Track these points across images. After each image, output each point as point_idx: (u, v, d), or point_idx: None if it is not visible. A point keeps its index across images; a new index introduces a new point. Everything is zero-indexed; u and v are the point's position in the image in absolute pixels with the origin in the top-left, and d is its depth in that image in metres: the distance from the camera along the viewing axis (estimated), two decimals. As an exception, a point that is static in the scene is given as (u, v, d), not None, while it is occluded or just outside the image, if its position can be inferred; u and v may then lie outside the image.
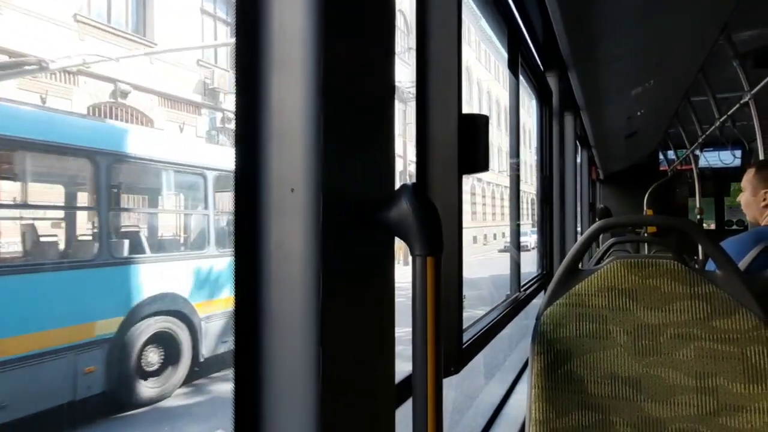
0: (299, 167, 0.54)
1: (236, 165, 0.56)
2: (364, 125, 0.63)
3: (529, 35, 2.20)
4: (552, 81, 2.84)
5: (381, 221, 0.62)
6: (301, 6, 0.54)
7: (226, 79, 14.70)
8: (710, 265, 1.71)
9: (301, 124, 0.54)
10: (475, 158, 1.09)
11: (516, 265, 2.13)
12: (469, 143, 1.08)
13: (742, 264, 1.73)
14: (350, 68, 0.60)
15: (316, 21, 0.54)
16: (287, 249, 0.55)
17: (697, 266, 1.22)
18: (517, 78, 2.05)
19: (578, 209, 4.48)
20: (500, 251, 29.71)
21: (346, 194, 0.58)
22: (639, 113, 4.45)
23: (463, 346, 1.16)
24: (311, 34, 0.54)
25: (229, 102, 14.84)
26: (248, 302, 0.56)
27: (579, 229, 4.55)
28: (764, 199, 1.98)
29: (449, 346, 1.08)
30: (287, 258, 0.55)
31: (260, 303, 0.56)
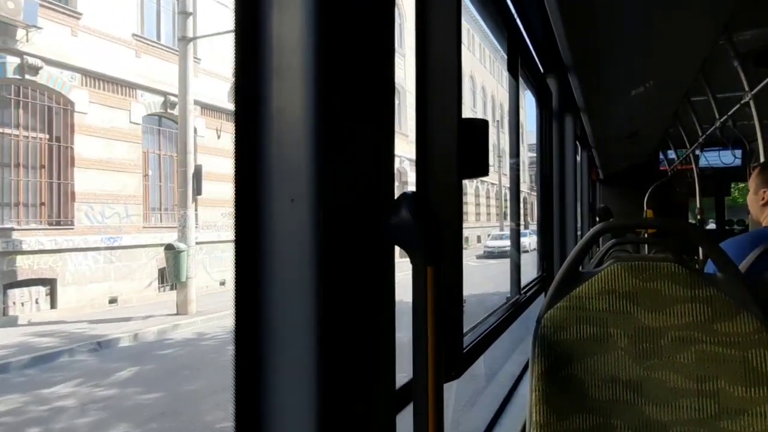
0: (299, 177, 0.54)
1: (236, 175, 0.56)
2: (363, 133, 0.63)
3: (529, 37, 2.20)
4: (552, 82, 2.84)
5: (381, 230, 0.62)
6: (300, 15, 0.54)
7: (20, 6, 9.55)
8: (709, 266, 1.70)
9: (300, 133, 0.55)
10: (475, 162, 1.09)
11: (516, 268, 2.13)
12: (468, 148, 1.08)
13: (743, 266, 1.72)
14: (349, 76, 0.60)
15: (315, 30, 0.54)
16: (288, 259, 0.55)
17: (697, 267, 1.22)
18: (516, 80, 2.06)
19: (578, 210, 4.48)
20: (479, 257, 26.14)
21: (346, 203, 0.58)
22: (639, 114, 4.45)
23: (464, 351, 1.16)
24: (310, 43, 0.54)
25: (38, 42, 10.12)
26: (249, 312, 0.56)
27: (579, 231, 4.55)
28: (763, 198, 2.00)
29: (450, 351, 1.08)
30: (287, 267, 0.55)
31: (261, 312, 0.56)
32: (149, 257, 12.51)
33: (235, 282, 0.56)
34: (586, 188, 6.14)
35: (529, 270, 2.70)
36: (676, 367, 1.14)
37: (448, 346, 1.06)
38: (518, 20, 1.94)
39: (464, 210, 33.23)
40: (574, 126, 3.53)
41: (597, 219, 6.00)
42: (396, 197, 0.64)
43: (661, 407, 1.14)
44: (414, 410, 0.63)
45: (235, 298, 0.56)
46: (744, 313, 1.11)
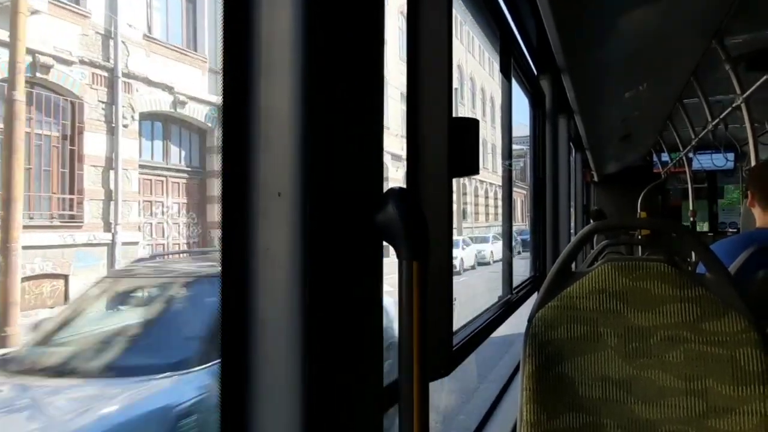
0: (286, 172, 0.55)
1: (223, 169, 0.56)
2: (351, 129, 0.63)
3: (522, 39, 2.21)
4: (545, 84, 2.85)
5: (368, 225, 0.62)
6: (289, 12, 0.55)
7: None
8: (701, 267, 1.72)
9: (288, 128, 0.55)
10: (465, 161, 1.09)
11: (508, 268, 2.13)
12: (459, 146, 1.08)
13: (733, 267, 1.73)
14: (338, 73, 0.60)
15: (304, 26, 0.54)
16: (274, 253, 0.55)
17: (690, 268, 1.22)
18: (509, 81, 2.06)
19: (572, 211, 4.49)
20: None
21: (333, 198, 0.58)
22: (632, 116, 4.47)
23: (453, 349, 1.16)
24: (298, 40, 0.54)
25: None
26: (235, 306, 0.56)
27: (573, 231, 4.56)
28: (751, 200, 2.01)
29: (439, 350, 1.08)
30: (274, 262, 0.55)
31: (247, 307, 0.56)
32: None
33: (222, 276, 0.56)
34: (580, 190, 6.17)
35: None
36: (665, 366, 1.14)
37: (437, 343, 1.07)
38: (511, 21, 1.95)
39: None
40: (568, 127, 3.54)
41: (590, 221, 6.03)
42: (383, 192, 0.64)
43: (650, 406, 1.14)
44: (399, 409, 0.63)
45: (222, 292, 0.56)
46: (732, 313, 1.12)
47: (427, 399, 0.62)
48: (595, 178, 7.80)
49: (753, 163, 3.21)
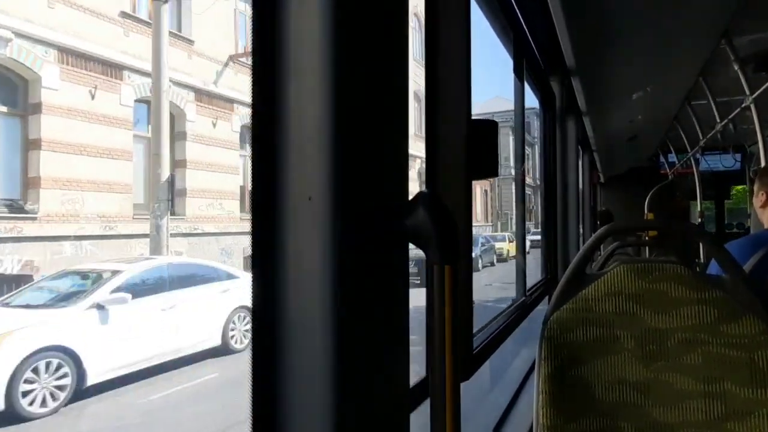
0: (317, 175, 0.55)
1: (254, 173, 0.56)
2: (379, 133, 0.63)
3: (533, 41, 2.21)
4: (555, 85, 2.85)
5: (397, 228, 0.63)
6: (317, 15, 0.55)
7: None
8: (711, 268, 1.71)
9: (318, 132, 0.55)
10: (484, 163, 1.09)
11: (522, 271, 2.13)
12: (478, 148, 1.08)
13: (745, 268, 1.72)
14: (365, 78, 0.60)
15: (332, 31, 0.55)
16: (304, 256, 0.55)
17: (698, 269, 1.22)
18: (522, 82, 2.06)
19: (580, 213, 4.48)
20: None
21: (362, 202, 0.59)
22: (640, 117, 4.46)
23: (474, 352, 1.16)
24: (326, 45, 0.55)
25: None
26: (266, 307, 0.56)
27: (581, 234, 4.55)
28: (761, 201, 2.00)
29: (460, 353, 1.08)
30: (304, 265, 0.55)
31: (277, 308, 0.56)
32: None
33: (253, 278, 0.56)
34: (588, 191, 6.15)
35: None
36: (683, 369, 1.13)
37: (458, 346, 1.06)
38: (523, 23, 1.95)
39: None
40: (576, 128, 3.54)
41: (598, 222, 6.01)
42: (412, 196, 0.64)
43: (668, 409, 1.13)
44: (432, 409, 0.63)
45: (253, 294, 0.56)
46: (750, 315, 1.11)
47: (458, 399, 0.62)
48: (602, 179, 7.78)
49: (762, 164, 3.19)
